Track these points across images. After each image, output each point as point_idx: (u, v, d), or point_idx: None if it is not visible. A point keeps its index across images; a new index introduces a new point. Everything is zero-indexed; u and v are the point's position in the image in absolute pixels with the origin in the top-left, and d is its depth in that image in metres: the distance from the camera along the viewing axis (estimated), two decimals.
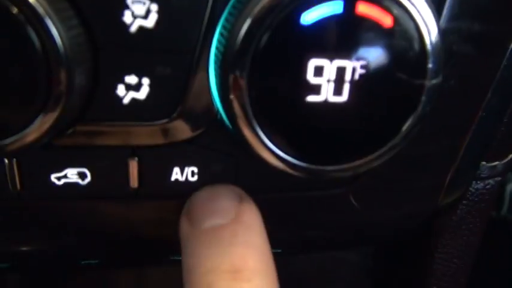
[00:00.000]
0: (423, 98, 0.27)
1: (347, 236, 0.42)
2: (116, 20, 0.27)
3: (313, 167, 0.29)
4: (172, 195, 0.33)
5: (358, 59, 0.26)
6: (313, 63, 0.26)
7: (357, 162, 0.30)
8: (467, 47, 0.32)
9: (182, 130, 0.31)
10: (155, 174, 0.32)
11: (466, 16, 0.31)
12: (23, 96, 0.25)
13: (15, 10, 0.24)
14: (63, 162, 0.31)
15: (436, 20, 0.26)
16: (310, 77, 0.27)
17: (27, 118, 0.26)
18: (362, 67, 0.27)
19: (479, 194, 0.42)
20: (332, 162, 0.30)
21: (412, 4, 0.26)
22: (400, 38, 0.26)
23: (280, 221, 0.37)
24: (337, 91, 0.27)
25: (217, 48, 0.28)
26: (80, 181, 0.32)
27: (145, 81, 0.29)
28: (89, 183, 0.32)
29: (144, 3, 0.27)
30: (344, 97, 0.27)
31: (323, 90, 0.27)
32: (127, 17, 0.27)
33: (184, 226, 0.32)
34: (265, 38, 0.26)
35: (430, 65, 0.27)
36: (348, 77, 0.27)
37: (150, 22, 0.27)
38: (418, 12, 0.26)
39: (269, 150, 0.28)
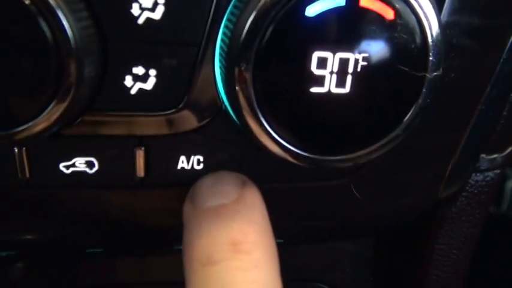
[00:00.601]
0: (424, 90, 0.28)
1: (348, 226, 0.43)
2: (124, 12, 0.27)
3: (315, 157, 0.30)
4: (178, 183, 0.33)
5: (360, 52, 0.27)
6: (316, 55, 0.27)
7: (359, 153, 0.31)
8: (467, 40, 0.32)
9: (188, 120, 0.31)
10: (161, 163, 0.33)
11: (466, 10, 0.31)
12: (34, 87, 0.26)
13: (27, 1, 0.24)
14: (72, 151, 0.32)
15: (437, 14, 0.27)
16: (314, 69, 0.27)
17: (37, 108, 0.27)
18: (364, 59, 0.27)
19: (478, 186, 0.42)
20: (334, 153, 0.30)
21: None
22: (402, 31, 0.27)
23: (283, 211, 0.38)
24: (340, 83, 0.28)
25: (222, 40, 0.29)
26: (87, 170, 0.33)
27: (152, 72, 0.29)
28: (96, 171, 0.33)
29: None
30: (347, 89, 0.28)
31: (326, 81, 0.28)
32: (135, 9, 0.27)
33: (187, 208, 0.32)
34: (269, 30, 0.26)
35: (431, 58, 0.27)
36: (350, 69, 0.27)
37: (157, 14, 0.28)
38: (420, 6, 0.26)
39: (273, 140, 0.29)
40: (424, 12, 0.27)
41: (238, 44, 0.27)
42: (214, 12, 0.29)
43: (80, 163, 0.32)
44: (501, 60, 0.35)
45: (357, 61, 0.27)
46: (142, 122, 0.31)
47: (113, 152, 0.32)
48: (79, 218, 0.36)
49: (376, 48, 0.27)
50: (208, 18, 0.29)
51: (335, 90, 0.28)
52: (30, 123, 0.27)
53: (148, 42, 0.29)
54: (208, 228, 0.29)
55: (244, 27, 0.27)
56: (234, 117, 0.30)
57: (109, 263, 0.47)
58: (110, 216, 0.36)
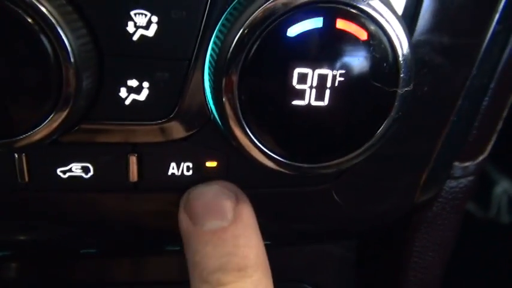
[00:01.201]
0: (396, 103, 0.31)
1: (330, 229, 0.45)
2: (120, 30, 0.30)
3: (298, 164, 0.32)
4: (169, 188, 0.35)
5: (337, 68, 0.29)
6: (297, 71, 0.29)
7: (339, 160, 0.33)
8: (439, 58, 0.35)
9: (178, 129, 0.34)
10: (153, 169, 0.35)
11: (436, 30, 0.34)
12: (36, 98, 0.28)
13: (30, 20, 0.27)
14: (69, 158, 0.34)
15: (407, 35, 0.29)
16: (295, 84, 0.30)
17: (38, 117, 0.29)
18: (341, 75, 0.30)
19: (453, 192, 0.45)
20: (315, 160, 0.33)
21: (386, 21, 0.29)
22: (375, 50, 0.29)
23: (269, 215, 0.40)
24: (319, 96, 0.30)
25: (211, 55, 0.31)
26: (83, 175, 0.35)
27: (146, 84, 0.32)
28: (91, 176, 0.35)
29: (145, 15, 0.29)
30: (325, 102, 0.30)
31: (306, 95, 0.30)
32: (130, 27, 0.30)
33: (184, 222, 0.35)
34: (254, 47, 0.29)
35: (402, 75, 0.30)
36: (328, 84, 0.30)
37: (151, 32, 0.30)
38: (391, 28, 0.29)
39: (258, 148, 0.31)
40: (396, 34, 0.29)
41: (225, 59, 0.29)
42: (203, 30, 0.31)
43: (76, 168, 0.34)
44: (471, 75, 0.37)
45: (334, 77, 0.30)
46: (135, 131, 0.33)
47: (108, 158, 0.34)
48: (75, 220, 0.38)
49: (351, 66, 0.29)
50: (198, 36, 0.31)
51: (314, 103, 0.30)
52: (31, 132, 0.29)
53: (142, 57, 0.31)
54: (215, 255, 0.33)
55: (231, 44, 0.29)
56: (221, 126, 0.32)
57: (102, 264, 0.49)
58: (104, 219, 0.38)
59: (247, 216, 0.35)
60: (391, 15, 0.29)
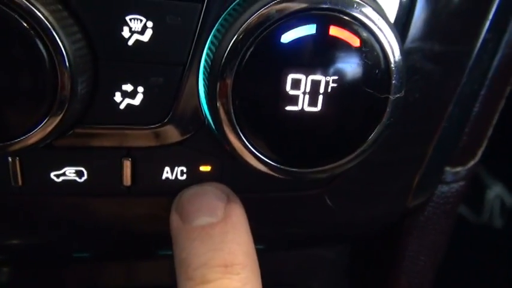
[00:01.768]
0: (388, 109, 0.31)
1: (323, 234, 0.45)
2: (115, 35, 0.30)
3: (291, 169, 0.33)
4: (163, 192, 0.36)
5: (330, 75, 0.30)
6: (290, 77, 0.30)
7: (331, 165, 0.33)
8: (430, 65, 0.35)
9: (173, 134, 0.34)
10: (147, 173, 0.35)
11: (428, 38, 0.34)
12: (31, 102, 0.28)
13: (26, 25, 0.27)
14: (62, 161, 0.34)
15: (399, 42, 0.30)
16: (288, 89, 0.30)
17: (33, 121, 0.29)
18: (334, 81, 0.30)
19: (444, 197, 0.45)
20: (308, 165, 0.33)
21: (378, 28, 0.29)
22: (367, 57, 0.29)
23: (262, 219, 0.40)
24: (312, 102, 0.30)
25: (206, 61, 0.31)
26: (77, 179, 0.35)
27: (140, 89, 0.32)
28: (85, 181, 0.35)
29: (141, 20, 0.30)
30: (318, 107, 0.31)
31: (300, 101, 0.30)
32: (125, 32, 0.30)
33: (175, 221, 0.34)
34: (248, 53, 0.29)
35: (393, 81, 0.30)
36: (321, 90, 0.30)
37: (146, 37, 0.30)
38: (384, 35, 0.29)
39: (251, 153, 0.32)
40: (388, 41, 0.29)
41: (220, 64, 0.29)
42: (198, 35, 0.31)
43: (70, 172, 0.34)
44: (462, 82, 0.38)
45: (327, 83, 0.30)
46: (130, 135, 0.33)
47: (102, 163, 0.34)
48: (68, 224, 0.38)
49: (344, 72, 0.30)
50: (192, 41, 0.31)
51: (308, 108, 0.31)
52: (25, 136, 0.29)
53: (137, 62, 0.31)
54: (201, 250, 0.32)
55: (226, 49, 0.29)
56: (215, 131, 0.32)
57: (95, 268, 0.49)
58: (97, 223, 0.38)
59: (238, 215, 0.34)
60: (384, 22, 0.29)
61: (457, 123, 0.41)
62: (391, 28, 0.29)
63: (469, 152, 0.44)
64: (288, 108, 0.30)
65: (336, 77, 0.30)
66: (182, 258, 0.32)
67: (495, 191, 0.95)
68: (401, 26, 0.34)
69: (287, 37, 0.29)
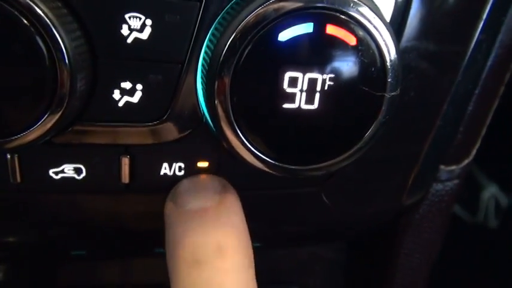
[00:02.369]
0: (383, 107, 0.31)
1: (320, 231, 0.46)
2: (114, 32, 0.30)
3: (288, 166, 0.33)
4: (161, 189, 0.36)
5: (327, 73, 0.30)
6: (288, 75, 0.30)
7: (328, 163, 0.33)
8: (425, 64, 0.36)
9: (171, 131, 0.34)
10: (145, 170, 0.35)
11: (423, 37, 0.35)
12: (30, 99, 0.28)
13: (25, 21, 0.27)
14: (61, 159, 0.34)
15: (394, 41, 0.30)
16: (285, 87, 0.30)
17: (32, 118, 0.29)
18: (330, 79, 0.30)
19: (439, 195, 0.46)
20: (305, 163, 0.33)
21: (374, 27, 0.29)
22: (363, 55, 0.30)
23: (259, 217, 0.40)
24: (309, 100, 0.31)
25: (204, 59, 0.32)
26: (76, 176, 0.35)
27: (139, 86, 0.32)
28: (84, 178, 0.35)
29: (140, 18, 0.30)
30: (315, 105, 0.31)
31: (297, 98, 0.31)
32: (124, 30, 0.30)
33: (168, 208, 0.34)
34: (246, 51, 0.29)
35: (389, 80, 0.31)
36: (318, 87, 0.30)
37: (145, 35, 0.31)
38: (379, 33, 0.30)
39: (248, 150, 0.32)
40: (383, 40, 0.30)
41: (218, 62, 0.30)
42: (196, 33, 0.31)
43: (68, 169, 0.35)
44: (456, 81, 0.39)
45: (324, 81, 0.30)
46: (128, 132, 0.34)
47: (100, 160, 0.35)
48: (66, 221, 0.38)
49: (340, 70, 0.30)
50: (191, 39, 0.31)
51: (304, 106, 0.31)
52: (24, 133, 0.29)
53: (135, 60, 0.31)
54: (194, 230, 0.31)
55: (224, 48, 0.29)
56: (213, 128, 0.32)
57: (93, 265, 0.49)
58: (95, 220, 0.38)
59: (232, 201, 0.34)
60: (379, 21, 0.29)
61: (451, 122, 0.41)
62: (387, 27, 0.30)
63: (464, 151, 0.45)
64: (285, 106, 0.31)
65: (332, 75, 0.30)
66: (174, 240, 0.32)
67: (490, 191, 0.96)
68: (397, 25, 0.34)
69: (284, 36, 0.29)
